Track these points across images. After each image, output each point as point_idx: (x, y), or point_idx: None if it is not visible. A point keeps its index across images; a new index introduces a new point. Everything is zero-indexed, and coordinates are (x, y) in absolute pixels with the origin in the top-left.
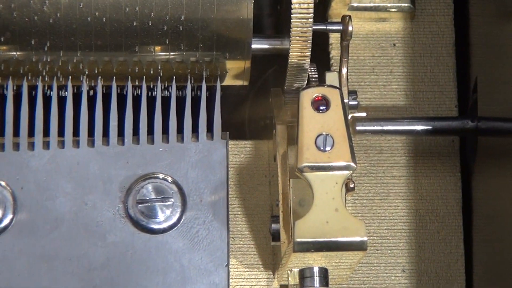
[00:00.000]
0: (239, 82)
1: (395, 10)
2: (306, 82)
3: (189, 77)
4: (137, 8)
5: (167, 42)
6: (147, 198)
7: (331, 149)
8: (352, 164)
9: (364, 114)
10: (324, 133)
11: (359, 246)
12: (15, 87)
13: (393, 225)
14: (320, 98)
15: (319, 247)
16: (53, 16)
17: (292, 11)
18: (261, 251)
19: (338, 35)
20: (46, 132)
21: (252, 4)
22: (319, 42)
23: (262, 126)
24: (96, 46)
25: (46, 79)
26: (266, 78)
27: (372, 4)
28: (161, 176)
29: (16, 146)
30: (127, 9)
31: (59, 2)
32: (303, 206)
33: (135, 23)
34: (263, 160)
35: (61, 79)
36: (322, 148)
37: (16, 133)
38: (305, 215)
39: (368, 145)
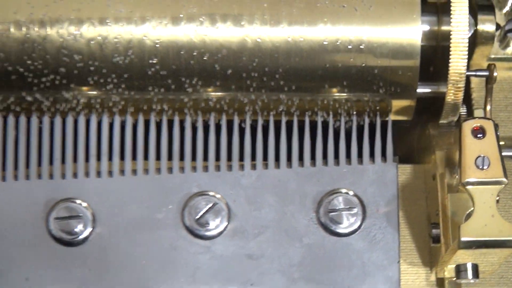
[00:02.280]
0: (404, 118)
1: None
2: (457, 118)
3: (366, 112)
4: (325, 60)
5: (349, 85)
6: (337, 208)
7: (487, 167)
8: (505, 179)
9: (502, 143)
10: (482, 155)
11: (511, 244)
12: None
13: None
14: (478, 127)
15: (479, 244)
16: (242, 60)
17: (450, 62)
18: (420, 252)
19: (477, 80)
20: (253, 156)
21: (419, 56)
22: None
23: (419, 153)
24: (291, 87)
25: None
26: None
27: (505, 56)
28: (344, 191)
29: (230, 167)
30: (314, 60)
31: (243, 49)
32: (458, 215)
33: (319, 72)
34: (421, 180)
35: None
36: (480, 167)
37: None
38: (468, 220)
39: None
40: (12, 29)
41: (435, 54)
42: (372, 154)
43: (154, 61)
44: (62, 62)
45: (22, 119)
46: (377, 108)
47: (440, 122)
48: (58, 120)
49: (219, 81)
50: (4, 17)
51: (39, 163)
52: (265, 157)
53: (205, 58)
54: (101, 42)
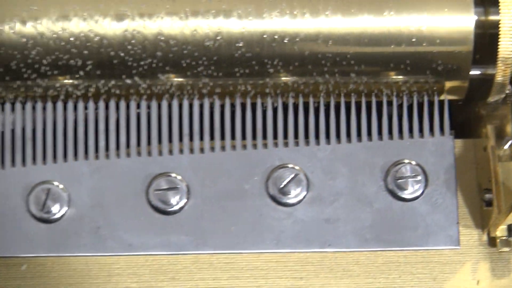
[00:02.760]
0: (457, 97)
1: None
2: (504, 96)
3: (425, 91)
4: (390, 44)
5: (410, 67)
6: (404, 176)
7: None
8: None
9: None
10: None
11: None
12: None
13: None
14: None
15: None
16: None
17: (499, 42)
18: (473, 216)
19: None
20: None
21: (473, 41)
22: None
23: (469, 128)
24: (360, 69)
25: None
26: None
27: None
28: (407, 161)
29: (307, 143)
30: (380, 44)
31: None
32: (509, 181)
33: (385, 55)
34: (471, 153)
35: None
36: None
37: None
38: None
39: None
40: (115, 19)
41: (483, 41)
42: (431, 129)
43: (240, 45)
44: (159, 46)
45: (122, 104)
46: (434, 88)
47: (489, 100)
48: (154, 104)
49: (297, 62)
50: (107, 9)
51: (138, 143)
52: (337, 133)
53: (285, 41)
54: (193, 29)
